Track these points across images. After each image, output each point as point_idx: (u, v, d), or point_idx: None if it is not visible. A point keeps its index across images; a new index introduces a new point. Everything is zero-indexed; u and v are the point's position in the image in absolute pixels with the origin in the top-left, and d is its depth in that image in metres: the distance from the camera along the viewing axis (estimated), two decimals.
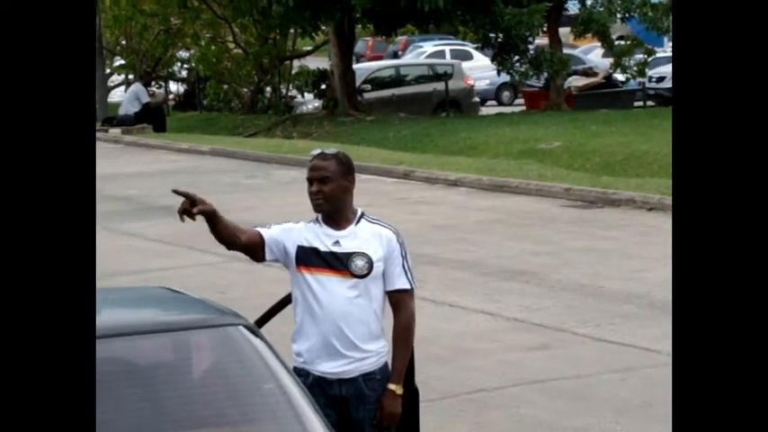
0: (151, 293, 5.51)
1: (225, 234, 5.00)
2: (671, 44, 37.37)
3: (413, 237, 11.27)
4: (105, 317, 5.03)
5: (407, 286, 5.02)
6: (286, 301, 5.25)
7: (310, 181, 5.02)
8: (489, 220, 14.23)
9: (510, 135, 20.84)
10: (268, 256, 5.07)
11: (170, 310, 4.98)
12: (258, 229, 5.08)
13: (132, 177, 18.87)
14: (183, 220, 4.95)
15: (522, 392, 7.85)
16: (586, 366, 8.34)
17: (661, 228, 13.15)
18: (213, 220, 4.94)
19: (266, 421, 4.40)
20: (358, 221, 5.03)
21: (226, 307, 4.88)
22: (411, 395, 5.13)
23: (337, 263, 4.95)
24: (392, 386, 4.98)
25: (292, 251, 5.01)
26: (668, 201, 14.16)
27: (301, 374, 4.91)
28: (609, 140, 19.07)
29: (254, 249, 5.07)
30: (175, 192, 5.00)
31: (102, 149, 23.69)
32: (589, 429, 7.10)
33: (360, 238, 4.98)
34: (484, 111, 29.98)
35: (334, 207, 5.00)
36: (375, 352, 5.01)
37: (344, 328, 4.96)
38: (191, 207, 4.87)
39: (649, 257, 11.51)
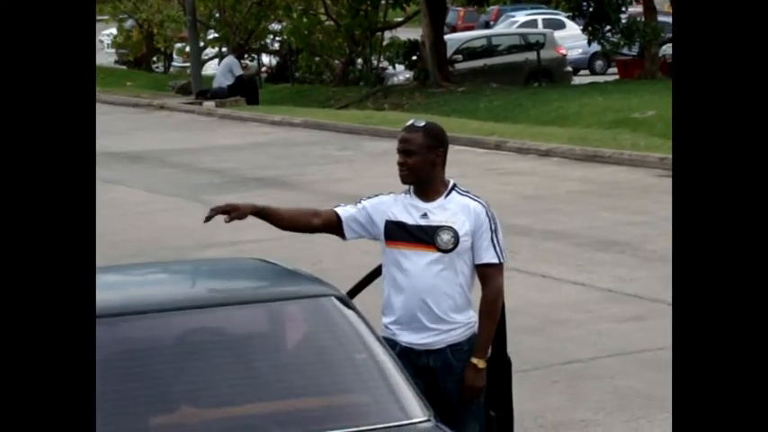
0: (245, 265, 5.56)
1: (289, 223, 5.10)
2: None
3: (504, 207, 11.22)
4: (200, 288, 5.11)
5: (495, 260, 4.96)
6: (378, 271, 5.25)
7: (398, 152, 5.04)
8: (582, 190, 14.11)
9: (603, 104, 20.63)
10: (348, 234, 5.08)
11: (264, 281, 5.02)
12: (337, 209, 5.09)
13: (226, 150, 19.02)
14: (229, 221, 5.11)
15: (616, 363, 7.79)
16: None
17: None
18: (262, 216, 5.06)
19: (359, 391, 4.43)
20: (448, 194, 5.00)
21: (318, 278, 4.90)
22: (504, 366, 5.11)
23: (424, 236, 4.94)
24: (474, 360, 4.95)
25: (381, 226, 5.02)
26: None
27: (389, 345, 4.87)
28: None
29: (333, 230, 5.09)
30: (208, 219, 5.12)
31: (195, 122, 23.99)
32: None
33: (448, 210, 4.95)
34: (576, 80, 29.68)
35: (419, 179, 4.99)
36: (462, 323, 4.99)
37: (429, 302, 4.95)
38: (229, 216, 5.04)
39: None
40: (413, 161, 4.97)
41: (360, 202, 5.11)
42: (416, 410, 4.29)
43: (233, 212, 5.04)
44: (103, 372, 4.05)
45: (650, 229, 11.58)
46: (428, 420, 4.26)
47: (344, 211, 5.07)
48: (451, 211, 4.95)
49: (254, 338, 4.64)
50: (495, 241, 4.97)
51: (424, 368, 4.97)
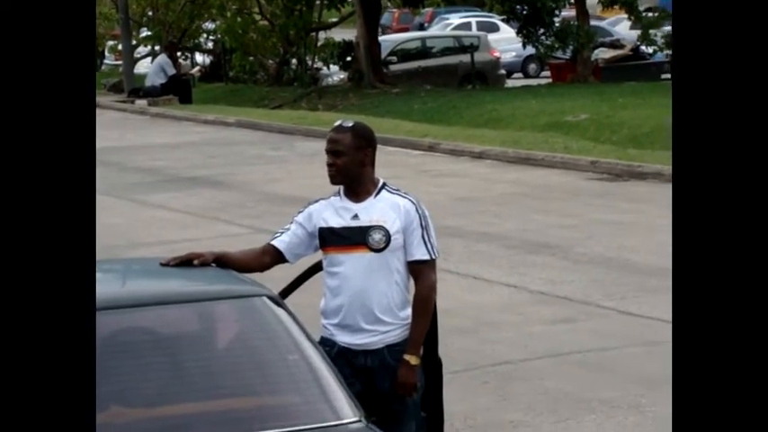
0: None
1: (247, 266, 5.07)
2: None
3: (437, 209, 11.28)
4: (131, 287, 5.08)
5: (426, 257, 4.99)
6: (311, 271, 5.28)
7: (327, 153, 5.06)
8: (514, 192, 14.23)
9: (536, 107, 20.78)
10: (293, 260, 5.13)
11: (195, 280, 5.00)
12: (274, 242, 5.11)
13: (158, 149, 18.91)
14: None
15: (546, 365, 7.86)
16: (611, 339, 8.34)
17: None
18: (222, 262, 5.01)
19: (290, 392, 4.44)
20: (378, 192, 5.02)
21: (250, 278, 4.92)
22: (434, 366, 5.15)
23: (355, 237, 4.96)
24: (407, 356, 4.98)
25: (316, 235, 5.05)
26: None
27: (327, 345, 4.95)
28: (636, 113, 18.99)
29: (281, 261, 5.13)
30: (164, 265, 4.97)
31: (128, 121, 23.82)
32: (614, 402, 7.10)
33: (378, 210, 4.98)
34: (510, 83, 29.85)
35: (348, 180, 5.02)
36: (399, 324, 5.02)
37: (366, 303, 4.98)
38: (192, 262, 4.95)
39: None
40: (342, 162, 4.98)
41: (292, 221, 5.13)
42: (347, 411, 4.31)
43: (196, 260, 4.98)
44: None
45: (580, 232, 11.70)
46: (359, 421, 4.29)
47: (281, 242, 5.09)
48: (382, 210, 4.97)
49: (185, 338, 4.64)
50: (426, 238, 4.99)
51: (362, 368, 4.99)
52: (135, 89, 26.58)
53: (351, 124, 5.09)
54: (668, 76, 28.20)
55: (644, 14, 27.84)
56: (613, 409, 7.01)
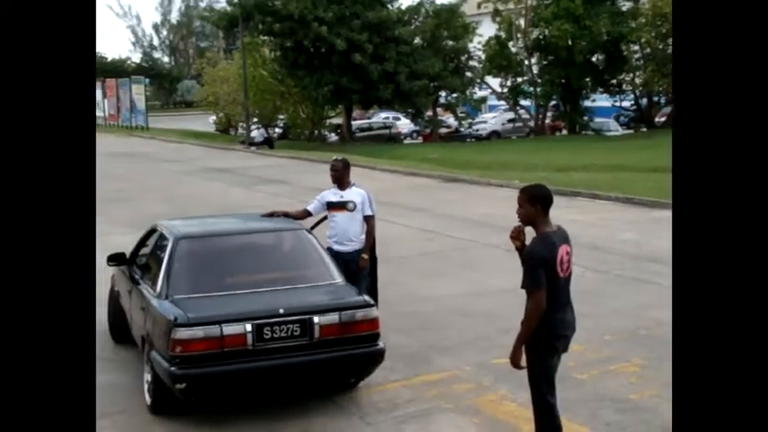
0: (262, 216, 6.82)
1: (297, 217, 6.60)
2: (482, 114, 39.41)
3: (381, 194, 11.48)
4: (240, 225, 6.91)
5: (371, 213, 6.59)
6: (322, 219, 7.05)
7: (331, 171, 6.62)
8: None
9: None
10: (315, 214, 6.82)
11: (271, 222, 6.73)
12: (308, 207, 6.70)
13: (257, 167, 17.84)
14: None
15: None
16: None
17: None
18: (286, 215, 6.51)
19: (313, 269, 6.07)
20: (351, 187, 6.92)
21: (298, 222, 6.50)
22: (373, 259, 7.04)
23: (341, 204, 6.75)
24: (363, 254, 6.62)
25: (325, 203, 6.80)
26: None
27: (331, 251, 6.69)
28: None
29: (311, 215, 6.81)
30: (265, 216, 6.34)
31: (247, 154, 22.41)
32: None
33: (351, 194, 6.83)
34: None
35: (340, 182, 6.86)
36: (360, 241, 6.79)
37: (346, 233, 6.70)
38: (273, 215, 6.37)
39: None
40: (340, 174, 7.03)
41: (313, 201, 6.75)
42: (338, 277, 5.94)
43: (275, 215, 6.58)
44: (202, 258, 5.64)
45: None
46: (342, 281, 5.94)
47: (312, 208, 6.72)
48: (353, 194, 6.88)
49: (268, 247, 6.24)
50: (370, 205, 6.85)
51: (345, 261, 6.72)
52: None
53: (341, 158, 6.73)
54: (472, 140, 32.49)
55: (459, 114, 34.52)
56: None
